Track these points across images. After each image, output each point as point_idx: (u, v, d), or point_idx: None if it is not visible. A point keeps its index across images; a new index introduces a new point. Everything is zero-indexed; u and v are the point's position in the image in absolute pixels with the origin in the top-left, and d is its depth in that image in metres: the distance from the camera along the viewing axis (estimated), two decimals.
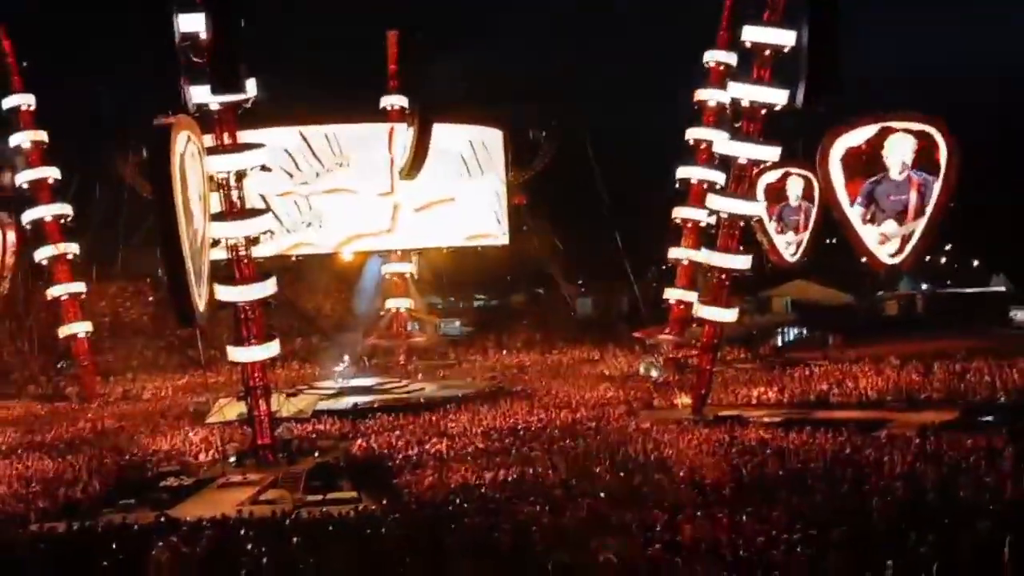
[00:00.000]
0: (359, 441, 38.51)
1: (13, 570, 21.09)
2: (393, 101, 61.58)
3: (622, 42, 64.72)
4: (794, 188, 49.72)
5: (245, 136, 37.46)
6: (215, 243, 36.34)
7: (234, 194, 37.04)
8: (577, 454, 32.78)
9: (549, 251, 74.66)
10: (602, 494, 26.06)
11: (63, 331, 57.50)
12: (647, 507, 23.73)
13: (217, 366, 59.91)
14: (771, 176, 46.56)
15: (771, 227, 50.66)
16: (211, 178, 35.81)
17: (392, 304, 66.17)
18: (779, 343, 68.07)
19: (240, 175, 36.89)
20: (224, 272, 37.20)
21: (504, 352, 68.66)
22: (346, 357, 60.82)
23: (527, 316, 78.44)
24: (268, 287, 37.81)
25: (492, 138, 62.95)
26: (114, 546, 22.24)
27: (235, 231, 37.05)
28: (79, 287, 57.31)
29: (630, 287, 74.43)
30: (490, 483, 29.25)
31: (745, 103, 40.80)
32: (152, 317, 69.24)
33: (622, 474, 29.05)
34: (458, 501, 26.72)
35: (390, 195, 58.48)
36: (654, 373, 54.32)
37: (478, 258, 68.42)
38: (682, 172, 55.74)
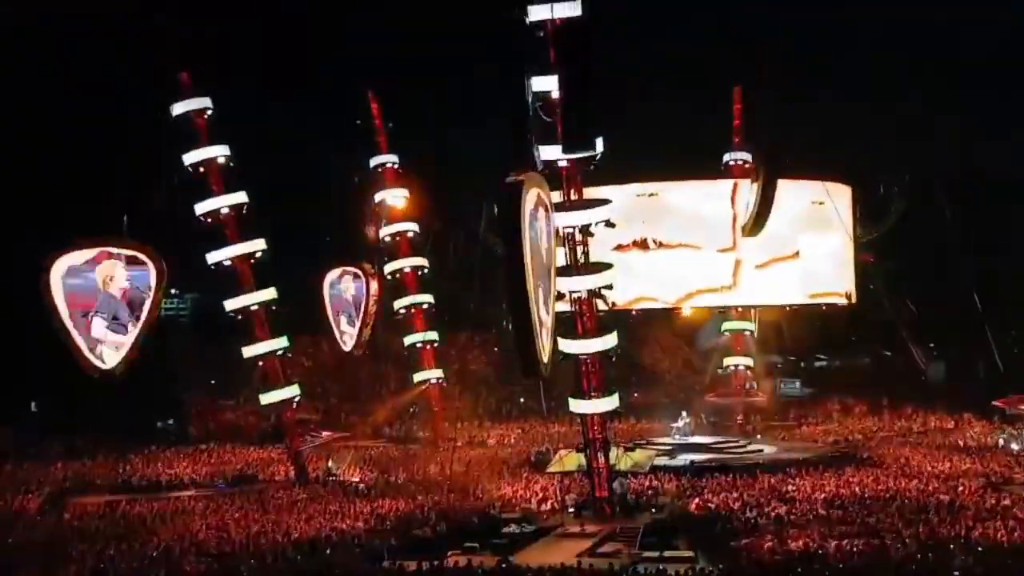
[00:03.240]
0: (696, 499, 38.14)
1: None
2: (736, 156, 61.42)
3: (984, 82, 60.52)
4: None
5: (591, 192, 38.37)
6: (559, 296, 37.25)
7: (579, 249, 37.91)
8: (928, 528, 30.86)
9: (899, 311, 71.26)
10: (956, 574, 24.44)
11: (417, 377, 60.90)
12: None
13: (558, 417, 61.34)
14: None
15: None
16: (557, 233, 36.84)
17: (731, 361, 65.53)
18: None
19: (585, 230, 37.67)
20: (567, 325, 38.06)
21: (848, 416, 66.10)
22: (684, 413, 60.54)
23: (873, 379, 74.97)
24: (609, 340, 38.28)
25: (838, 193, 60.91)
26: None
27: (579, 285, 37.81)
28: (433, 335, 60.63)
29: (988, 351, 69.78)
30: (833, 552, 28.04)
31: None
32: (497, 367, 71.79)
33: (980, 554, 27.07)
34: (799, 569, 25.84)
35: (732, 251, 57.84)
36: (1015, 446, 50.61)
37: (821, 317, 66.47)
38: None
